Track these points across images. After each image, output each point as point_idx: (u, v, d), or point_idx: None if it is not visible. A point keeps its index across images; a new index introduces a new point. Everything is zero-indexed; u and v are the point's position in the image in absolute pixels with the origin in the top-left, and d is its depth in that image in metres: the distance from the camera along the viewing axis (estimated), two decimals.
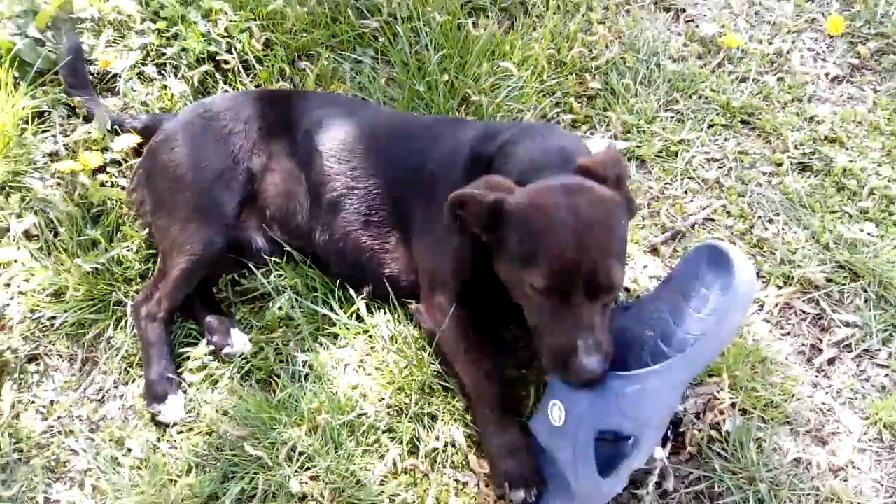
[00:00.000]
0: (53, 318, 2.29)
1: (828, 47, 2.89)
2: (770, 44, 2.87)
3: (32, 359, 2.27)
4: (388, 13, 2.86)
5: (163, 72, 2.76)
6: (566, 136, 2.14)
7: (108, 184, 2.48)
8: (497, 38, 2.78)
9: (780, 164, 2.54)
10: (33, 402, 2.20)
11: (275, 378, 2.14)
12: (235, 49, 2.79)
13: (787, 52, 2.84)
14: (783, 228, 2.37)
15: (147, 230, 2.36)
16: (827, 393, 2.06)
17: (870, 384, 2.08)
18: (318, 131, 2.33)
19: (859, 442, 1.97)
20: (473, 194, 1.82)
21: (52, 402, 2.21)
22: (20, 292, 2.31)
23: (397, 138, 2.28)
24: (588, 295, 1.69)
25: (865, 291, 2.21)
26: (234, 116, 2.35)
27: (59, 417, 2.18)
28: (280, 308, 2.26)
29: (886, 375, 2.09)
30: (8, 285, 2.31)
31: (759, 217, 2.41)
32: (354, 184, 2.25)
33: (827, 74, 2.79)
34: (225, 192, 2.27)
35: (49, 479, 2.07)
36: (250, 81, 2.77)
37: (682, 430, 1.96)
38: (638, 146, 2.58)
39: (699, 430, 1.94)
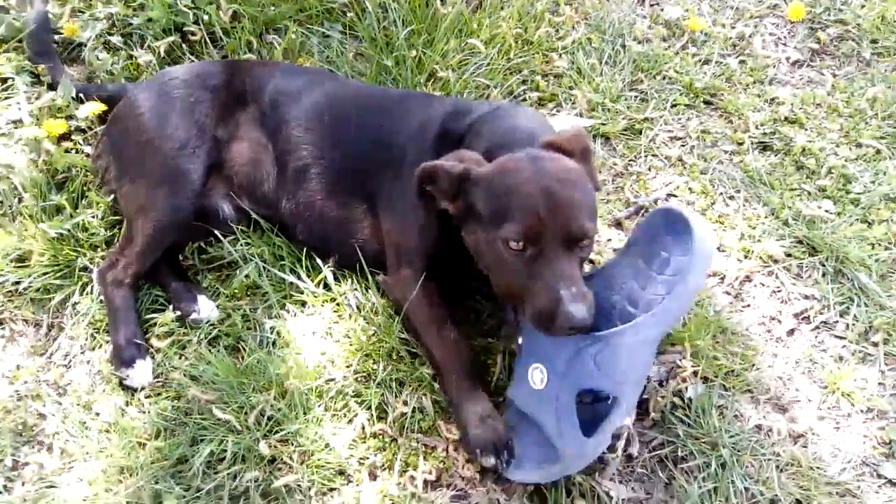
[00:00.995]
0: (18, 283, 2.27)
1: (789, 32, 2.96)
2: (733, 28, 2.93)
3: None
4: None
5: (129, 42, 2.74)
6: (534, 117, 2.18)
7: (73, 151, 2.46)
8: (465, 15, 2.81)
9: (741, 144, 2.60)
10: None
11: (242, 344, 2.15)
12: (202, 21, 2.77)
13: (750, 36, 2.91)
14: (744, 205, 2.43)
15: (112, 197, 2.34)
16: (786, 363, 2.12)
17: (828, 354, 2.14)
18: (284, 101, 2.34)
19: (818, 410, 2.04)
20: (442, 165, 1.87)
21: (17, 367, 2.19)
22: None
23: (366, 110, 2.29)
24: (564, 246, 1.74)
25: (823, 266, 2.28)
26: (200, 85, 2.35)
27: (25, 382, 2.16)
28: (247, 276, 2.27)
29: (844, 346, 2.15)
30: None
31: (721, 194, 2.47)
32: (321, 154, 2.26)
33: (788, 58, 2.86)
34: (191, 160, 2.26)
35: (17, 442, 2.05)
36: (217, 53, 2.77)
37: (645, 396, 2.00)
38: (603, 124, 2.63)
39: (662, 397, 1.99)
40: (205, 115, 2.31)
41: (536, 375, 1.83)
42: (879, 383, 2.08)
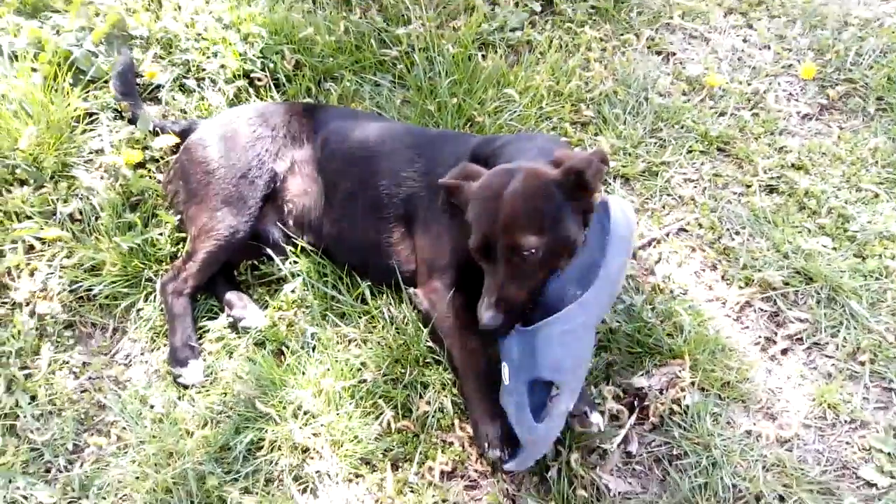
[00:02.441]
0: (90, 290, 2.55)
1: (801, 89, 3.18)
2: (749, 84, 3.16)
3: (69, 325, 2.54)
4: (408, 44, 3.19)
5: (202, 85, 3.07)
6: (551, 139, 2.44)
7: (147, 177, 2.77)
8: (503, 69, 3.09)
9: (749, 186, 2.81)
10: (67, 363, 2.45)
11: (286, 349, 2.39)
12: (268, 68, 3.11)
13: (764, 92, 3.13)
14: (748, 239, 2.63)
15: (179, 217, 2.63)
16: (778, 378, 2.29)
17: (817, 371, 2.30)
18: (335, 139, 2.61)
19: (805, 419, 2.20)
20: (450, 182, 2.16)
21: (84, 364, 2.46)
22: (62, 266, 2.58)
23: (406, 146, 2.54)
24: (507, 256, 2.00)
25: (818, 293, 2.46)
26: (262, 123, 2.64)
27: (89, 377, 2.43)
28: (293, 291, 2.51)
29: (833, 364, 2.31)
30: (51, 260, 2.58)
31: (728, 229, 2.67)
32: (364, 185, 2.51)
33: (798, 112, 3.07)
34: (250, 189, 2.54)
35: (79, 429, 2.32)
36: (280, 97, 3.08)
37: (646, 403, 2.19)
38: (624, 166, 2.85)
39: (662, 404, 2.17)
40: (265, 150, 2.59)
41: (504, 372, 2.03)
42: (864, 398, 2.24)
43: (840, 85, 3.16)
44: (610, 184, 2.80)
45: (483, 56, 3.15)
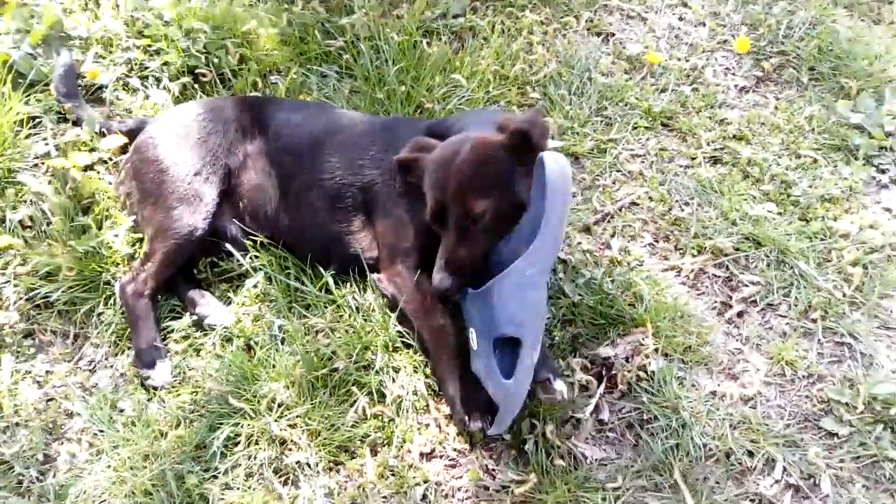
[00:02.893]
0: (47, 297, 2.50)
1: (737, 63, 3.29)
2: (687, 61, 3.26)
3: (28, 334, 2.49)
4: (352, 34, 3.20)
5: (145, 83, 3.03)
6: (498, 113, 2.53)
7: (97, 180, 2.72)
8: (448, 55, 3.12)
9: (694, 158, 2.91)
10: (30, 373, 2.40)
11: (254, 343, 2.38)
12: (213, 63, 3.08)
13: (702, 68, 3.24)
14: (697, 209, 2.73)
15: (133, 218, 2.59)
16: (737, 339, 2.39)
17: (773, 331, 2.41)
18: (286, 132, 2.61)
19: (766, 377, 2.30)
20: (408, 157, 2.24)
21: (47, 373, 2.42)
22: (16, 274, 2.52)
23: (359, 133, 2.56)
24: (458, 222, 2.08)
25: (767, 257, 2.57)
26: (213, 118, 2.63)
27: (54, 386, 2.38)
28: (255, 286, 2.51)
29: (787, 323, 2.43)
30: (4, 269, 2.52)
31: (677, 201, 2.76)
32: (320, 176, 2.52)
33: (735, 86, 3.19)
34: (205, 185, 2.52)
35: (48, 439, 2.27)
36: (227, 92, 3.06)
37: (614, 372, 2.26)
38: (573, 145, 2.92)
39: (628, 371, 2.24)
40: (217, 146, 2.57)
41: (472, 338, 2.11)
42: (818, 353, 2.35)
43: (774, 57, 3.28)
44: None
45: (428, 43, 3.18)
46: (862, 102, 3.00)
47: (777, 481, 2.08)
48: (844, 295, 2.45)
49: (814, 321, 2.41)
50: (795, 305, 2.45)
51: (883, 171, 2.84)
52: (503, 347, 2.04)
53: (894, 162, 2.85)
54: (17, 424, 2.30)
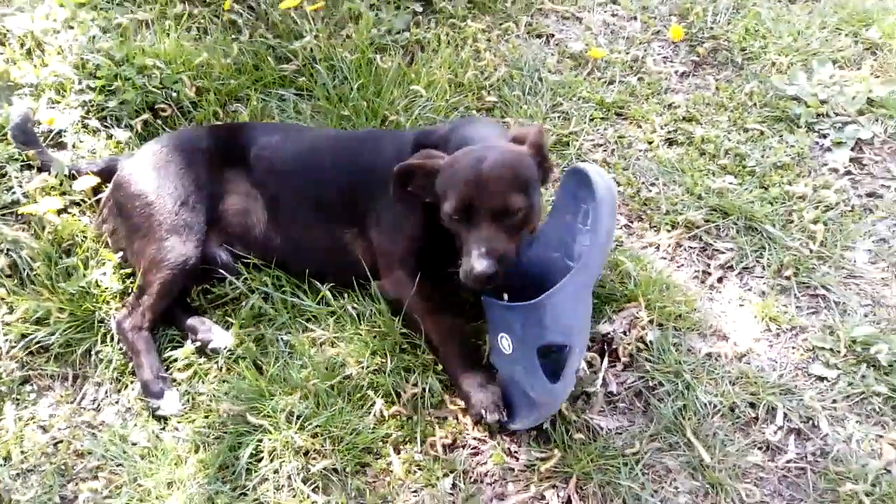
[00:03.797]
0: (40, 342, 2.48)
1: (673, 51, 3.49)
2: (627, 53, 3.44)
3: (25, 381, 2.46)
4: (304, 56, 3.26)
5: (105, 123, 3.02)
6: (490, 122, 2.63)
7: (76, 221, 2.71)
8: (402, 68, 3.22)
9: (651, 142, 3.07)
10: (33, 418, 2.38)
11: (260, 361, 2.41)
12: (171, 97, 3.10)
13: (642, 58, 3.42)
14: (663, 188, 2.89)
15: (120, 255, 2.60)
16: (721, 303, 2.55)
17: (752, 292, 2.58)
18: (268, 154, 2.66)
19: (754, 334, 2.46)
20: (415, 163, 2.28)
21: (51, 416, 2.39)
22: (5, 323, 2.49)
23: (342, 149, 2.64)
24: (492, 217, 2.14)
25: (736, 224, 2.74)
26: (191, 148, 2.66)
27: (59, 429, 2.36)
28: (252, 307, 2.53)
29: (764, 283, 2.60)
30: None
31: (643, 182, 2.92)
32: (308, 193, 2.58)
33: (676, 72, 3.38)
34: (192, 214, 2.54)
35: (62, 481, 2.25)
36: (188, 125, 3.08)
37: (614, 346, 2.38)
38: None
39: (628, 344, 2.37)
40: (197, 174, 2.60)
41: (504, 343, 2.16)
42: (797, 307, 2.53)
43: (707, 42, 3.49)
44: None
45: (381, 59, 3.27)
46: (794, 75, 3.23)
47: (780, 427, 2.23)
48: (811, 251, 2.64)
49: (787, 278, 2.59)
50: (769, 266, 2.62)
51: (824, 136, 3.06)
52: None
53: (833, 126, 3.07)
54: (28, 471, 2.27)
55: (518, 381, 2.15)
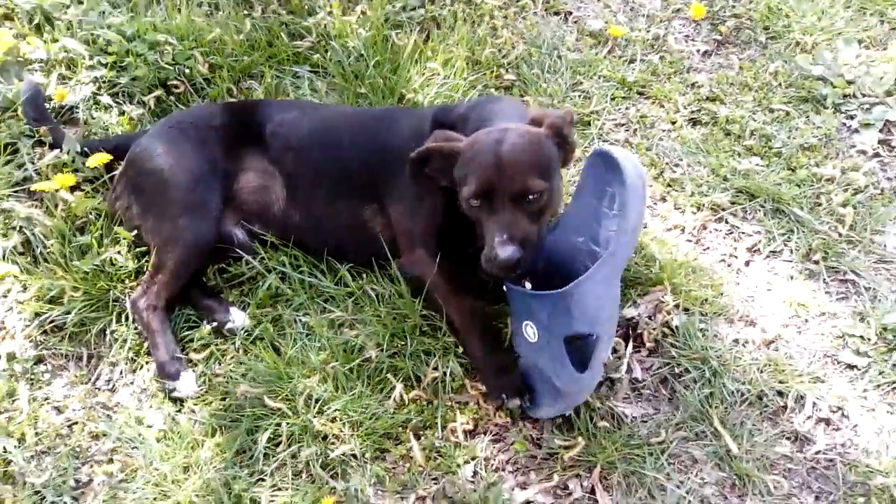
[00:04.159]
0: (54, 321, 2.43)
1: (695, 30, 3.42)
2: (648, 31, 3.37)
3: (39, 360, 2.41)
4: (318, 33, 3.20)
5: (117, 99, 2.96)
6: (511, 101, 2.55)
7: (89, 198, 2.66)
8: (419, 45, 3.16)
9: (674, 122, 3.01)
10: (48, 399, 2.33)
11: (278, 343, 2.37)
12: (184, 74, 3.04)
13: (664, 37, 3.35)
14: (688, 169, 2.83)
15: (135, 233, 2.54)
16: (748, 288, 2.50)
17: (780, 276, 2.53)
18: (285, 130, 2.60)
19: (782, 320, 2.41)
20: (432, 146, 2.21)
21: (65, 397, 2.35)
22: (18, 302, 2.45)
23: (359, 126, 2.58)
24: (512, 200, 2.08)
25: (763, 207, 2.69)
26: (207, 125, 2.60)
27: (74, 410, 2.32)
28: (269, 287, 2.49)
29: (792, 267, 2.55)
30: (5, 296, 2.45)
31: (667, 163, 2.86)
32: (327, 170, 2.53)
33: (698, 50, 3.31)
34: (208, 191, 2.50)
35: (76, 464, 2.21)
36: (201, 101, 3.02)
37: (639, 331, 2.34)
38: None
39: (654, 329, 2.33)
40: (213, 152, 2.55)
41: (529, 331, 2.10)
42: (825, 292, 2.48)
43: (729, 20, 3.41)
44: None
45: (397, 36, 3.20)
46: (819, 55, 3.16)
47: (809, 417, 2.19)
48: (840, 235, 2.59)
49: (816, 263, 2.54)
50: (797, 249, 2.57)
51: (851, 117, 2.99)
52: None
53: (860, 107, 3.01)
54: (43, 453, 2.23)
55: (543, 369, 2.10)
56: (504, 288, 2.20)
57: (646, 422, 2.19)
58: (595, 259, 2.11)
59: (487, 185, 2.08)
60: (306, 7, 3.33)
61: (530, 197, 2.08)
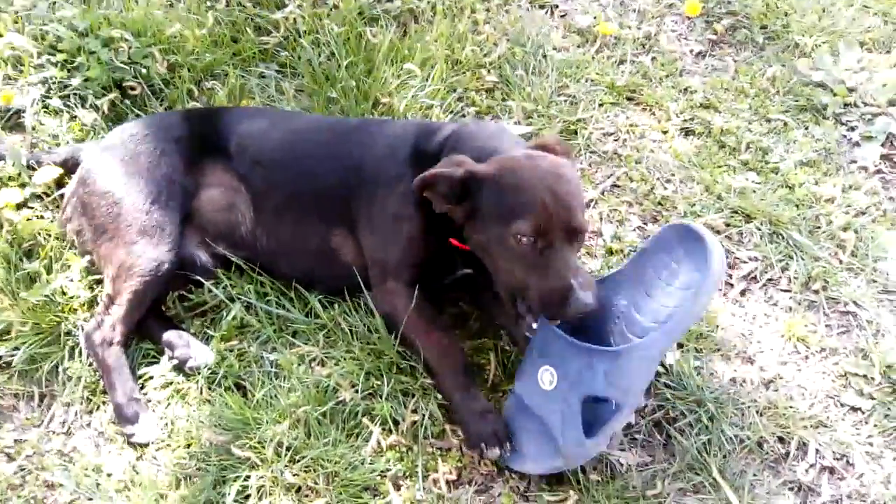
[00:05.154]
0: (1, 357, 2.25)
1: (688, 28, 3.25)
2: (639, 29, 3.20)
3: None
4: (286, 28, 2.98)
5: (68, 103, 2.74)
6: (502, 127, 2.41)
7: (35, 218, 2.46)
8: (395, 42, 2.95)
9: (666, 132, 2.85)
10: None
11: (243, 382, 2.21)
12: (140, 74, 2.81)
13: (655, 35, 3.18)
14: (680, 186, 2.68)
15: (87, 258, 2.35)
16: (744, 320, 2.37)
17: (778, 307, 2.40)
18: (252, 142, 2.40)
19: (780, 357, 2.29)
20: (442, 172, 2.00)
21: (16, 441, 2.17)
22: None
23: (333, 140, 2.38)
24: (567, 238, 1.91)
25: (759, 230, 2.55)
26: (163, 137, 2.39)
27: (27, 456, 2.14)
28: (234, 317, 2.31)
29: (790, 297, 2.42)
30: None
31: (658, 178, 2.71)
32: (296, 189, 2.34)
33: (692, 51, 3.15)
34: (165, 212, 2.30)
35: None
36: (160, 104, 2.81)
37: None
38: (541, 128, 2.81)
39: None
40: (171, 167, 2.35)
41: (546, 377, 1.95)
42: (826, 325, 2.36)
43: (724, 18, 3.25)
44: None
45: (372, 32, 2.99)
46: (820, 59, 3.01)
47: (812, 465, 2.07)
48: (841, 262, 2.47)
49: (816, 292, 2.41)
50: (796, 278, 2.44)
51: (852, 129, 2.86)
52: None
53: (861, 118, 2.87)
54: None
55: (548, 422, 1.95)
56: (535, 324, 2.01)
57: (641, 471, 2.06)
58: (633, 327, 2.01)
59: (546, 221, 1.90)
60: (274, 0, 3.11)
61: (583, 235, 1.96)
